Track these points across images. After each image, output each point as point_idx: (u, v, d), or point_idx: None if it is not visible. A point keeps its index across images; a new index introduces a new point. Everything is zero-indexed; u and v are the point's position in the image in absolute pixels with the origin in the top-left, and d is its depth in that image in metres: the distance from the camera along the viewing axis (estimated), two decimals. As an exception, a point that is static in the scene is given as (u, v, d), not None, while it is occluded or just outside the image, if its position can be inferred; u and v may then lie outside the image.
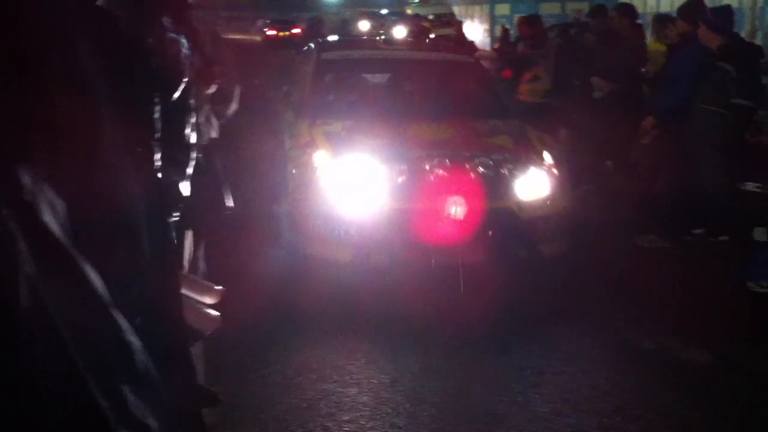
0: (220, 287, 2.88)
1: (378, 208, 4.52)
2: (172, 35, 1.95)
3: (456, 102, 5.80)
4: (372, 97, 6.25)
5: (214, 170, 2.38)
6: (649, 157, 6.77)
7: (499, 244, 4.53)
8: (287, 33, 30.33)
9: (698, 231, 5.83)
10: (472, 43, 14.63)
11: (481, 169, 4.66)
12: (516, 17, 14.96)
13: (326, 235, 4.57)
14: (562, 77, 7.67)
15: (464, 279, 4.37)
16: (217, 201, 2.49)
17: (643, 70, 7.41)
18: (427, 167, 4.63)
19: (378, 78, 6.91)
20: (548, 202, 4.76)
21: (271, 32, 31.12)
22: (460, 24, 17.95)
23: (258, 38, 31.34)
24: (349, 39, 10.20)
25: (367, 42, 7.66)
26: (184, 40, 2.01)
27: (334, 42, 8.28)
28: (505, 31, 17.88)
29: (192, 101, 2.24)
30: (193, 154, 2.20)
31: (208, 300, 2.68)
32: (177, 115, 1.99)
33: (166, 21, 1.95)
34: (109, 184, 1.16)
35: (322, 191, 4.64)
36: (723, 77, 5.37)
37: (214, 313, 2.67)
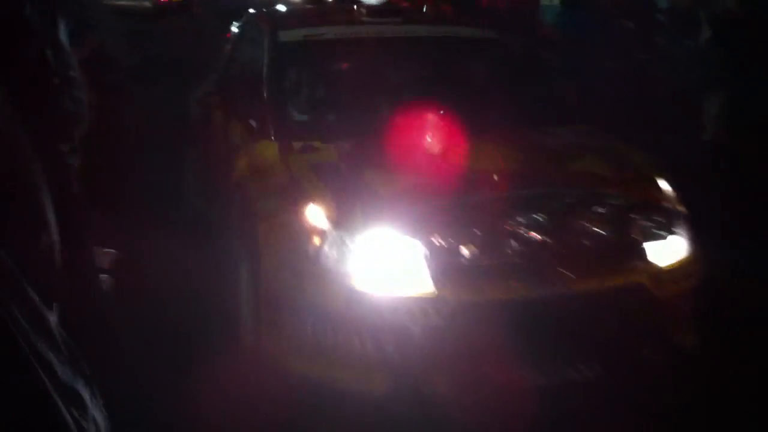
0: (113, 250, 2.82)
1: (431, 306, 2.79)
2: None
3: (498, 101, 3.89)
4: (369, 101, 3.97)
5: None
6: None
7: (622, 343, 2.99)
8: (183, -3, 29.20)
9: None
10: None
11: (594, 228, 3.02)
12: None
13: (342, 352, 2.82)
14: None
15: (566, 407, 2.84)
16: None
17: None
18: (508, 228, 2.93)
19: (370, 67, 4.34)
20: (689, 268, 3.15)
21: (164, -3, 29.90)
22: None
23: (148, 4, 30.01)
24: (312, 8, 7.08)
25: (339, 12, 5.34)
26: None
27: (291, 13, 5.60)
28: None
29: (73, 73, 2.11)
30: (79, 129, 2.12)
31: (101, 264, 2.67)
32: (43, 84, 1.83)
33: None
34: (5, 159, 1.16)
35: (330, 278, 2.84)
36: (624, 33, 5.44)
37: (105, 276, 2.68)
